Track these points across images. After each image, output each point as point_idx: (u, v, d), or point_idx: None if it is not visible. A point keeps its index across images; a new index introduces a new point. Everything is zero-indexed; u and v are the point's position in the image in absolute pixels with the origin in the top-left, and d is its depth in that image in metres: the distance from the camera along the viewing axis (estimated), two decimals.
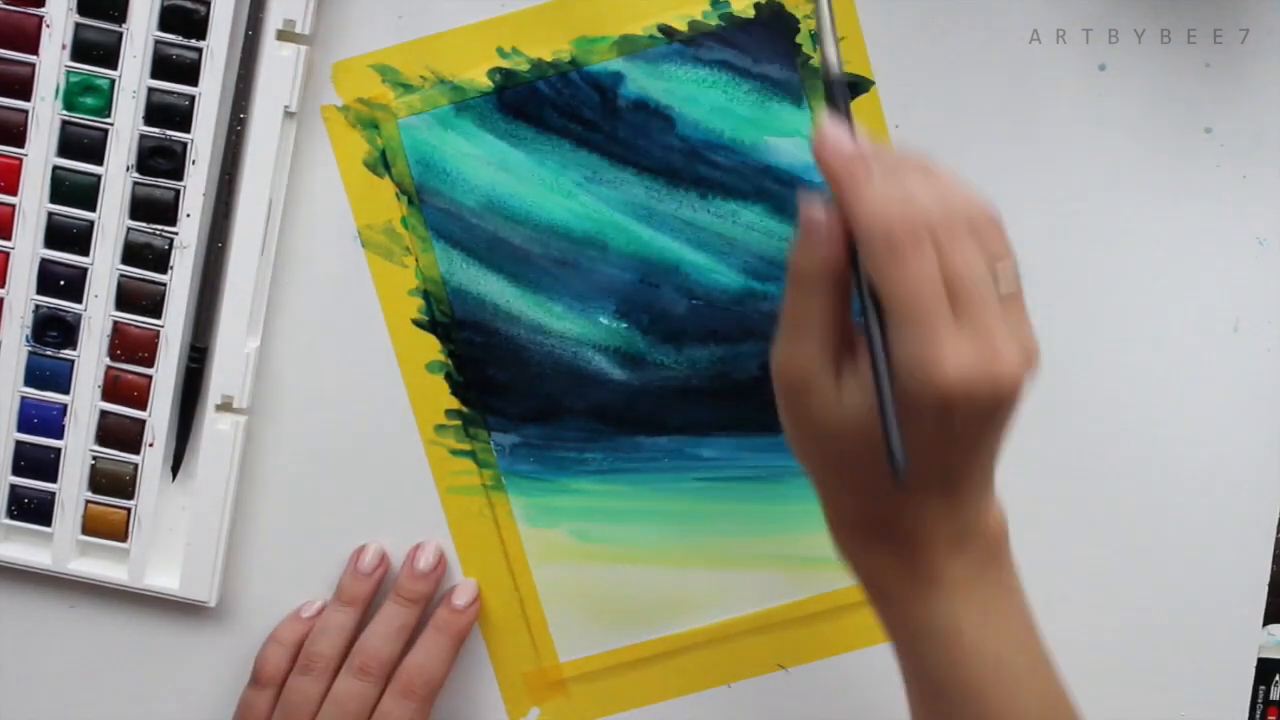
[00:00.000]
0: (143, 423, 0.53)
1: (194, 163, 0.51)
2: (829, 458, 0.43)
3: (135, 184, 0.51)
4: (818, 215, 0.41)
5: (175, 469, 0.54)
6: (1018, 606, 0.44)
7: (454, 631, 0.54)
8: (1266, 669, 0.56)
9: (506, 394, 0.54)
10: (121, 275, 0.52)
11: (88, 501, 0.53)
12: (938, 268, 0.39)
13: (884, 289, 0.39)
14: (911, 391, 0.39)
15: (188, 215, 0.52)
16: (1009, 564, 0.44)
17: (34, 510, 0.53)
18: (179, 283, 0.52)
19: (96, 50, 0.51)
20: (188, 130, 0.51)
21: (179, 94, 0.51)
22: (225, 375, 0.52)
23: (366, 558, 0.54)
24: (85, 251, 0.52)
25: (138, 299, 0.52)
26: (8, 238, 0.52)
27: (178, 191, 0.52)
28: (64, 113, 0.51)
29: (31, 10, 0.51)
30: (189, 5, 0.50)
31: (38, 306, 0.52)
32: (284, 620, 0.54)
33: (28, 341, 0.53)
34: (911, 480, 0.40)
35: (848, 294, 0.42)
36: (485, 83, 0.52)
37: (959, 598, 0.42)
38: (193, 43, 0.51)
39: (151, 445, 0.53)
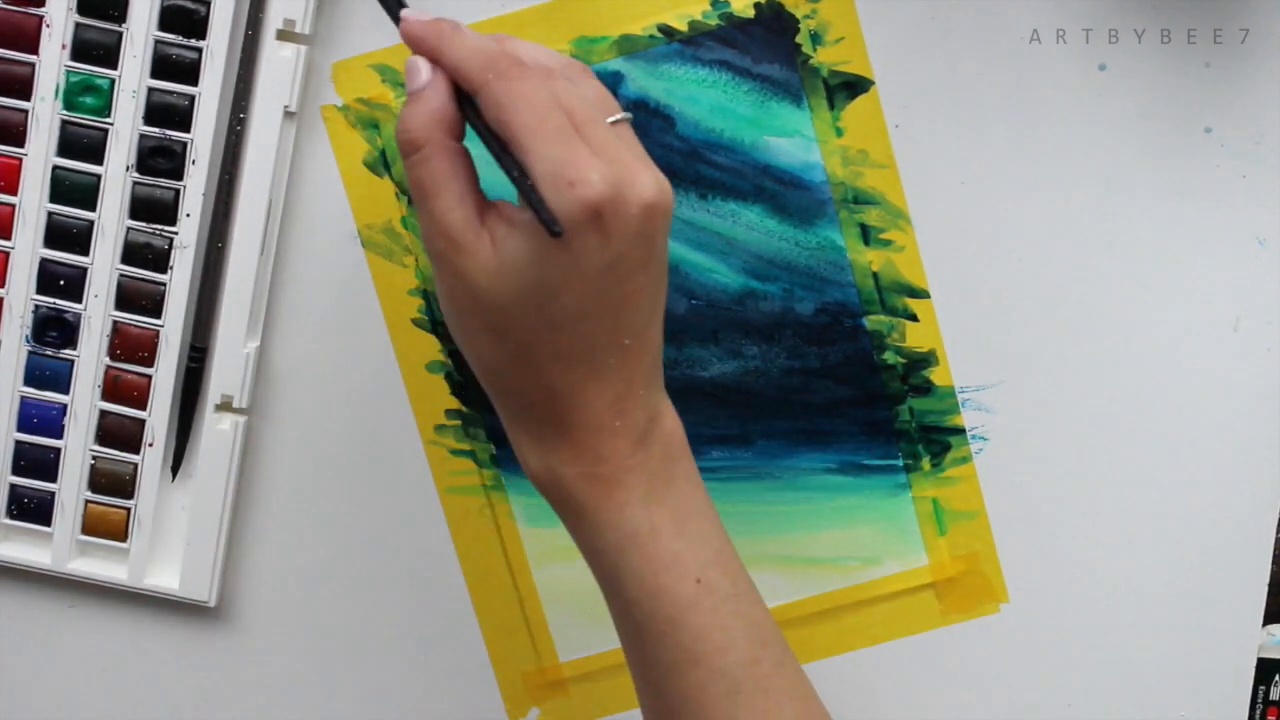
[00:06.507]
0: (143, 422, 0.53)
1: (194, 163, 0.51)
2: (493, 327, 0.42)
3: (135, 184, 0.51)
4: (421, 65, 0.42)
5: (175, 469, 0.54)
6: (710, 517, 0.44)
7: None
8: (1266, 669, 0.56)
9: None
10: (121, 275, 0.52)
11: (87, 501, 0.53)
12: (549, 92, 0.40)
13: (506, 117, 0.40)
14: (563, 209, 0.39)
15: (187, 215, 0.52)
16: (694, 472, 0.45)
17: (34, 510, 0.53)
18: (179, 283, 0.52)
19: (96, 50, 0.51)
20: (188, 130, 0.51)
21: (179, 94, 0.51)
22: (225, 375, 0.52)
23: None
24: (85, 251, 0.52)
25: (138, 299, 0.52)
26: (8, 238, 0.52)
27: (178, 191, 0.52)
28: (64, 113, 0.51)
29: (31, 10, 0.51)
30: (189, 5, 0.50)
31: (38, 306, 0.52)
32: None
33: (28, 341, 0.53)
34: (578, 344, 0.41)
35: (467, 155, 0.42)
36: None
37: (652, 500, 0.43)
38: (193, 43, 0.51)
39: (151, 445, 0.53)
